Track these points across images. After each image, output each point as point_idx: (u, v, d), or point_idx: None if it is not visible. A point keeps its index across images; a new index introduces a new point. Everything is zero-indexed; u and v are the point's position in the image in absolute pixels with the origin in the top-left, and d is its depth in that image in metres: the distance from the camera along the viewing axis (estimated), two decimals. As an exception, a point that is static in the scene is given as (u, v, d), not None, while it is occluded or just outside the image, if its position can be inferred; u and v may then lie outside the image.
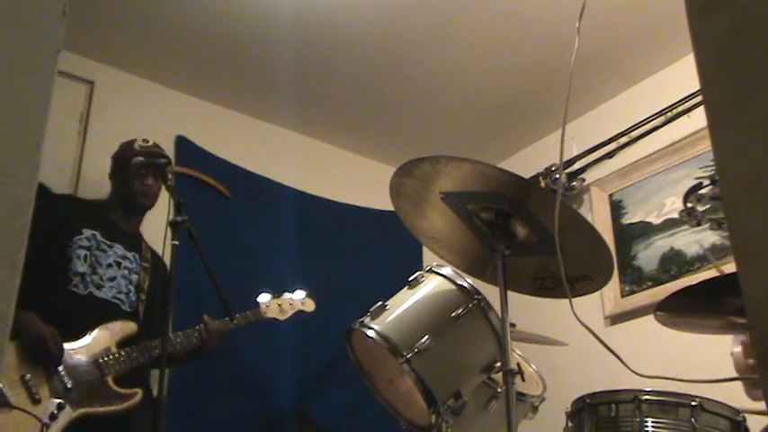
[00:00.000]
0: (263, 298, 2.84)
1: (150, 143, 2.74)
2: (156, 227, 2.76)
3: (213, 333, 2.58)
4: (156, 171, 2.63)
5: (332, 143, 4.17)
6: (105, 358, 2.36)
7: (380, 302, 2.09)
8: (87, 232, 2.56)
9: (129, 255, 2.65)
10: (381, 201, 3.11)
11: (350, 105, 3.85)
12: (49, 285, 2.44)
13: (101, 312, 2.47)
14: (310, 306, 3.00)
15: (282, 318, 2.88)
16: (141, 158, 2.58)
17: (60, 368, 2.26)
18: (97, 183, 3.00)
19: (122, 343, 2.43)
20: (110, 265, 2.57)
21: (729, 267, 2.67)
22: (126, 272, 2.61)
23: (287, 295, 2.92)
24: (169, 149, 3.53)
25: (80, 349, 2.34)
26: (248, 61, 3.51)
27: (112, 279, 2.55)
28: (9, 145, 0.70)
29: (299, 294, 2.97)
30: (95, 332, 2.40)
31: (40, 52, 0.75)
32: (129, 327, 2.49)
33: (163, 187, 2.60)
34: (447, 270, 2.11)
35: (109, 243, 2.60)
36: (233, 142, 3.78)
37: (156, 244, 2.60)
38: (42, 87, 0.74)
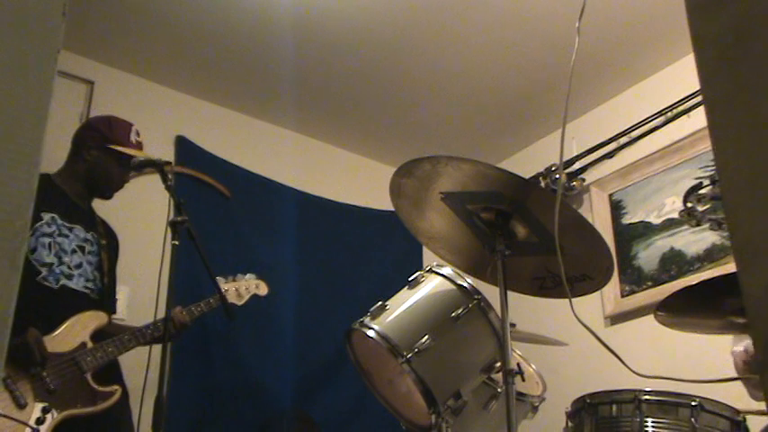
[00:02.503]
0: (221, 282, 2.69)
1: (140, 137, 2.63)
2: (156, 227, 2.75)
3: (180, 326, 2.48)
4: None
5: (332, 143, 4.17)
6: (82, 354, 2.29)
7: (380, 302, 2.09)
8: (47, 216, 2.43)
9: (89, 235, 2.54)
10: (381, 201, 3.11)
11: (350, 105, 3.85)
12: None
13: (73, 304, 2.39)
14: (263, 289, 2.87)
15: (240, 303, 2.76)
16: (141, 158, 2.55)
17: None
18: (97, 183, 3.00)
19: (95, 335, 2.37)
20: (74, 251, 2.47)
21: (729, 267, 2.67)
22: (89, 256, 2.51)
23: (239, 277, 2.81)
24: (169, 149, 3.54)
25: (57, 345, 2.27)
26: (248, 61, 3.51)
27: (79, 266, 2.46)
28: (9, 145, 0.70)
29: (250, 276, 2.84)
30: (67, 325, 2.32)
31: (40, 52, 0.75)
32: (101, 317, 2.42)
33: (162, 187, 2.56)
34: (447, 270, 2.11)
35: (69, 225, 2.49)
36: (233, 142, 3.78)
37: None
38: (42, 87, 0.74)
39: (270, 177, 3.82)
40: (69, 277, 2.43)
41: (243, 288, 2.80)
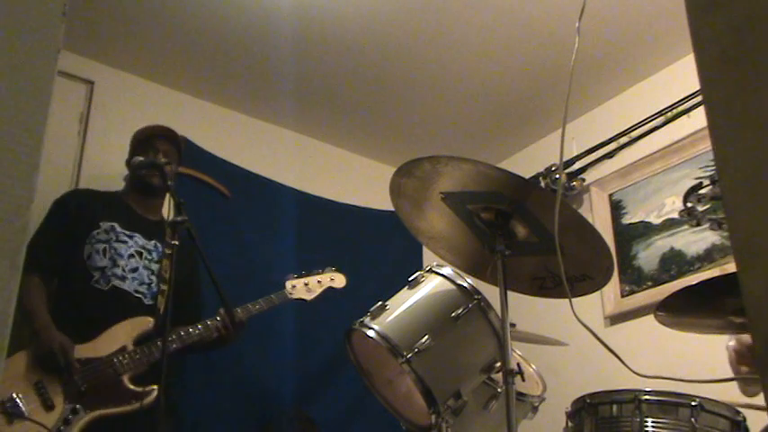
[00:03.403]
0: (290, 278, 2.75)
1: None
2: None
3: (236, 324, 2.51)
4: (168, 150, 2.68)
5: (332, 143, 4.17)
6: (121, 358, 2.33)
7: (380, 302, 2.09)
8: (105, 224, 2.55)
9: (150, 244, 2.62)
10: (381, 201, 3.10)
11: (350, 105, 3.85)
12: (73, 283, 2.44)
13: (124, 307, 2.45)
14: (340, 281, 2.89)
15: (310, 298, 2.78)
16: (141, 158, 2.57)
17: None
18: (97, 183, 3.00)
19: (140, 340, 2.40)
20: (131, 256, 2.56)
21: (729, 267, 2.67)
22: (147, 262, 2.59)
23: (315, 272, 2.84)
24: (169, 149, 3.54)
25: (96, 349, 2.32)
26: (248, 61, 3.51)
27: (134, 270, 2.54)
28: (9, 145, 0.70)
29: (328, 270, 2.87)
30: (112, 329, 2.38)
31: (40, 52, 0.75)
32: (146, 322, 2.44)
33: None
34: (447, 270, 2.11)
35: (128, 233, 2.59)
36: (233, 142, 3.78)
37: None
38: (42, 87, 0.74)
39: (270, 177, 3.81)
40: (122, 279, 2.51)
41: (314, 282, 2.81)
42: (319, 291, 2.82)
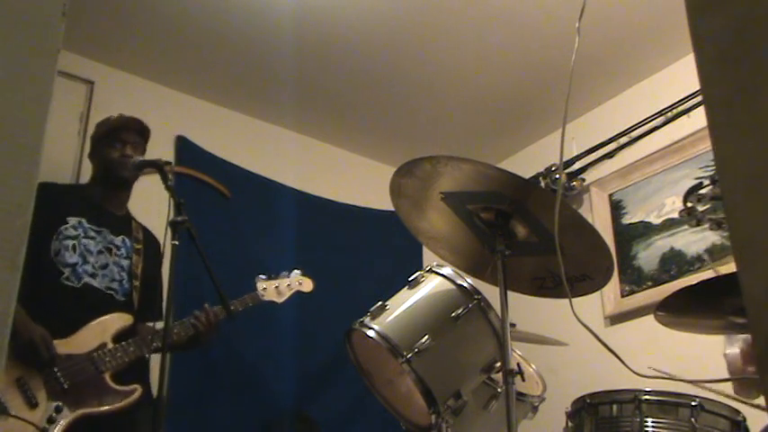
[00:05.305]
0: (260, 280, 2.78)
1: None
2: (155, 227, 2.76)
3: (212, 324, 2.52)
4: (135, 141, 2.62)
5: (332, 143, 4.17)
6: (101, 354, 2.31)
7: (380, 302, 2.09)
8: (73, 220, 2.49)
9: (118, 239, 2.58)
10: (381, 201, 3.11)
11: (350, 105, 3.85)
12: (41, 279, 2.37)
13: (96, 304, 2.41)
14: (308, 286, 2.92)
15: (280, 300, 2.80)
16: (141, 158, 2.57)
17: (55, 368, 2.21)
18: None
19: (118, 336, 2.38)
20: (100, 252, 2.51)
21: (729, 267, 2.67)
22: (117, 258, 2.54)
23: (283, 275, 2.86)
24: (169, 149, 3.54)
25: (74, 346, 2.29)
26: (248, 61, 3.51)
27: (105, 267, 2.49)
28: (9, 145, 0.70)
29: (295, 274, 2.89)
30: (89, 326, 2.35)
31: (40, 52, 0.75)
32: (124, 319, 2.43)
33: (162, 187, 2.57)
34: (447, 270, 2.11)
35: (96, 229, 2.53)
36: (233, 142, 3.78)
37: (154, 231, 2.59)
38: (42, 87, 0.74)
39: (270, 177, 3.81)
40: (93, 276, 2.46)
41: (284, 285, 2.83)
42: (289, 294, 2.84)
